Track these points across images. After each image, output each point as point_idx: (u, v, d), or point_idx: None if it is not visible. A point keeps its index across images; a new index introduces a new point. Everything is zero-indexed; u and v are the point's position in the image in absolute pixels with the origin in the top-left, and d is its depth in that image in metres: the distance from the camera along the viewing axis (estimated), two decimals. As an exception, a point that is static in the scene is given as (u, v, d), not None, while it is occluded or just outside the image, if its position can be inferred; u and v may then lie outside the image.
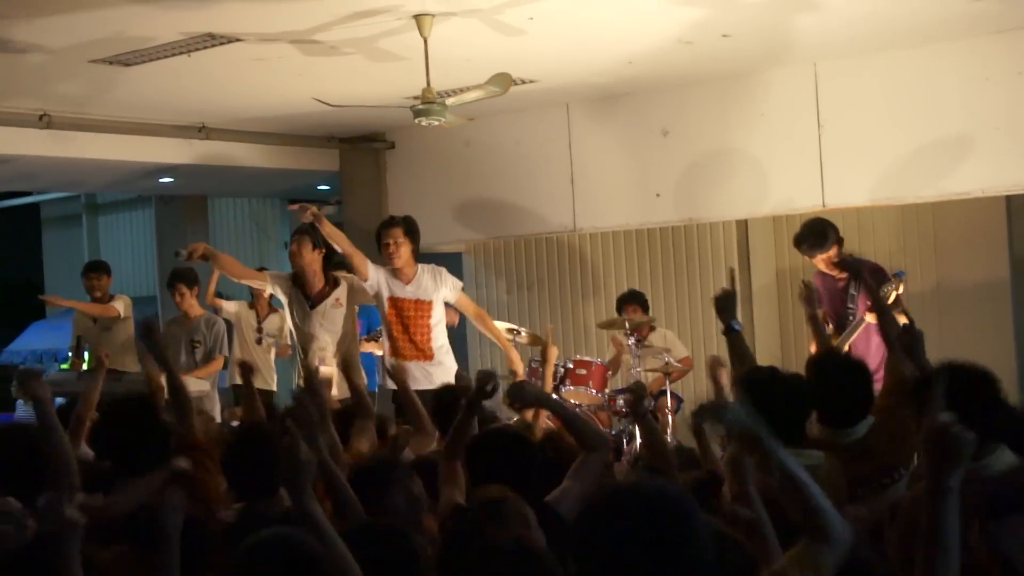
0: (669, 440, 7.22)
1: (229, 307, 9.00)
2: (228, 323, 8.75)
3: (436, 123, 6.34)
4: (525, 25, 6.28)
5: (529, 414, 5.08)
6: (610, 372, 8.31)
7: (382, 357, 7.31)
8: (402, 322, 7.00)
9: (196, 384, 7.83)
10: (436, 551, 2.98)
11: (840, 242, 6.83)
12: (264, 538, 2.47)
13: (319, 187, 11.54)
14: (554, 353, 5.97)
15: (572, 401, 7.72)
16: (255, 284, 7.65)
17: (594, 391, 7.93)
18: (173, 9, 5.76)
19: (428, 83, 6.25)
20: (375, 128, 9.67)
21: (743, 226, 9.25)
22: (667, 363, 8.04)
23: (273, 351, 8.84)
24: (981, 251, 8.62)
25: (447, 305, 7.18)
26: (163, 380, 4.64)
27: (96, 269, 8.66)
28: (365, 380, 7.09)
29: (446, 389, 5.13)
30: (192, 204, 12.69)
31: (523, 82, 7.72)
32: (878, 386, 6.61)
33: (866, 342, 6.77)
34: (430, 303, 7.02)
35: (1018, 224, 8.54)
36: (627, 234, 9.66)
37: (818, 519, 2.27)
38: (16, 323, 16.31)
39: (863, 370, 4.26)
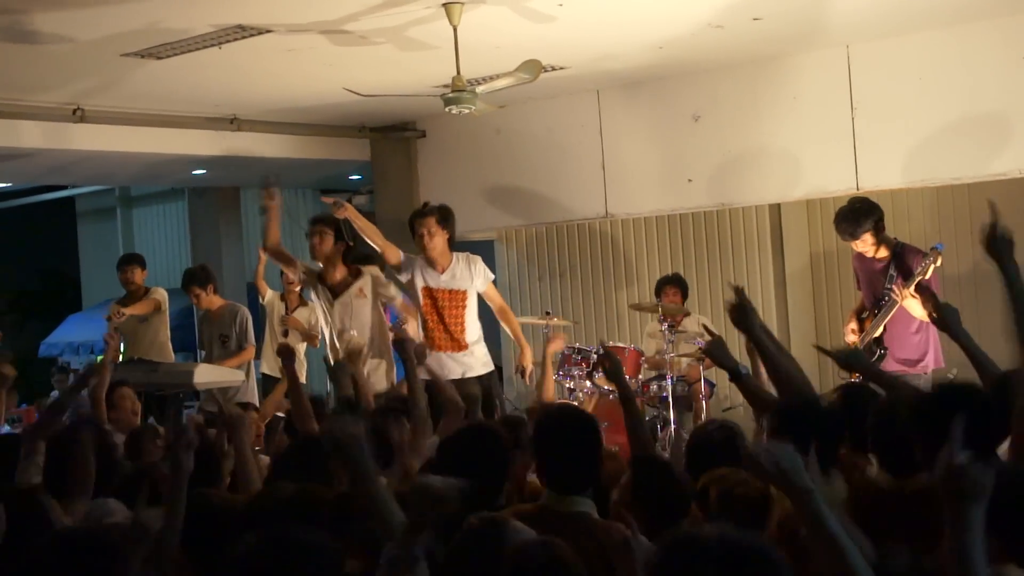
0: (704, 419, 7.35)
1: (268, 295, 9.08)
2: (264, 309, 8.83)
3: (467, 111, 6.32)
4: (554, 11, 6.25)
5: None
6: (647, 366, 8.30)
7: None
8: (437, 312, 6.96)
9: (231, 374, 7.90)
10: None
11: (877, 224, 6.69)
12: (267, 538, 2.47)
13: (350, 177, 11.57)
14: (557, 346, 6.39)
15: (604, 387, 7.71)
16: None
17: (627, 377, 7.89)
18: (203, 1, 5.79)
19: (458, 71, 6.22)
20: (406, 117, 9.67)
21: (776, 210, 9.18)
22: (699, 348, 8.00)
23: (303, 344, 8.84)
24: (1020, 233, 8.46)
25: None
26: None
27: (131, 262, 8.73)
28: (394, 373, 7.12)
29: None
30: (225, 196, 12.76)
31: (553, 69, 7.68)
32: (913, 370, 6.49)
33: (904, 329, 6.69)
34: (465, 292, 6.98)
35: (1057, 205, 8.42)
36: (659, 220, 9.61)
37: None
38: (53, 316, 16.46)
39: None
